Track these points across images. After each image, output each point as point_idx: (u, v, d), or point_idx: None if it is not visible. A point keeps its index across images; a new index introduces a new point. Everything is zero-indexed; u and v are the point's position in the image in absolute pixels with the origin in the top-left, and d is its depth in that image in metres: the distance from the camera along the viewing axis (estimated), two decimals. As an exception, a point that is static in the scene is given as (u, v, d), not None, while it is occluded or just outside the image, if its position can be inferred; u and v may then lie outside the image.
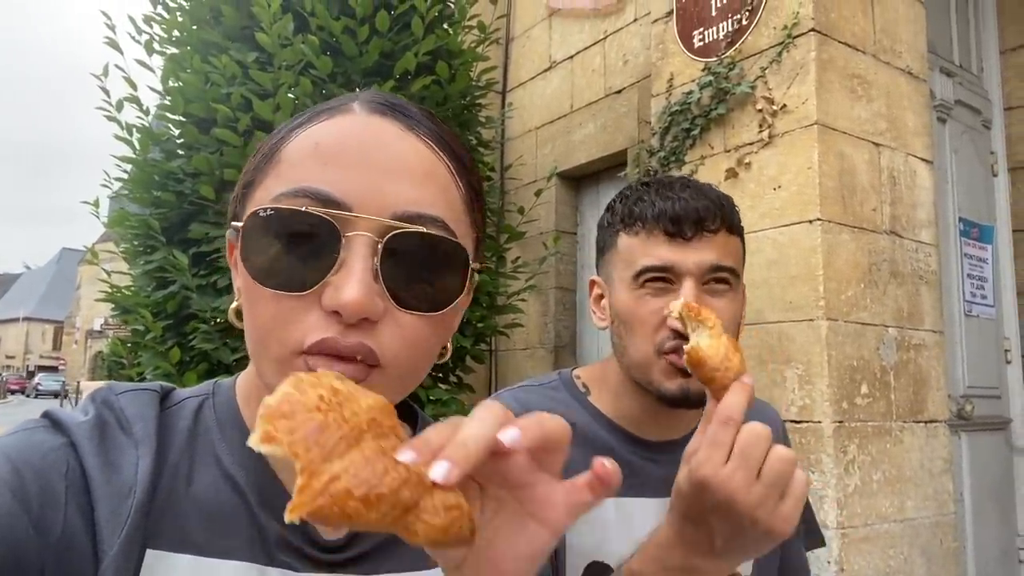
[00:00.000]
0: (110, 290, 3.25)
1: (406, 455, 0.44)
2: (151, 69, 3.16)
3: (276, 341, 0.57)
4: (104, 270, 3.23)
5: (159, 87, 3.19)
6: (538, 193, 3.92)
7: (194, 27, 3.13)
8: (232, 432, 0.66)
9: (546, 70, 4.61)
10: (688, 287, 1.01)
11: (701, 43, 2.96)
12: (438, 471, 0.43)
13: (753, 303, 2.59)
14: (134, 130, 3.07)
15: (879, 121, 2.75)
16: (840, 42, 2.66)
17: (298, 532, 0.64)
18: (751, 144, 2.71)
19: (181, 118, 3.10)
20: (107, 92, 3.06)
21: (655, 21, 3.20)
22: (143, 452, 0.60)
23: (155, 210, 3.03)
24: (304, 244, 0.56)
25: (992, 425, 3.52)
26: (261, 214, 0.57)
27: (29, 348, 76.28)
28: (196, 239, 2.94)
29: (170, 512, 0.61)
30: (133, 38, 3.12)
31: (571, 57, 4.42)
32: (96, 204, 3.05)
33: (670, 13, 3.10)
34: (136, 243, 3.17)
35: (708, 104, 2.85)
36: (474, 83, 3.59)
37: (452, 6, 3.52)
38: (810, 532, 1.26)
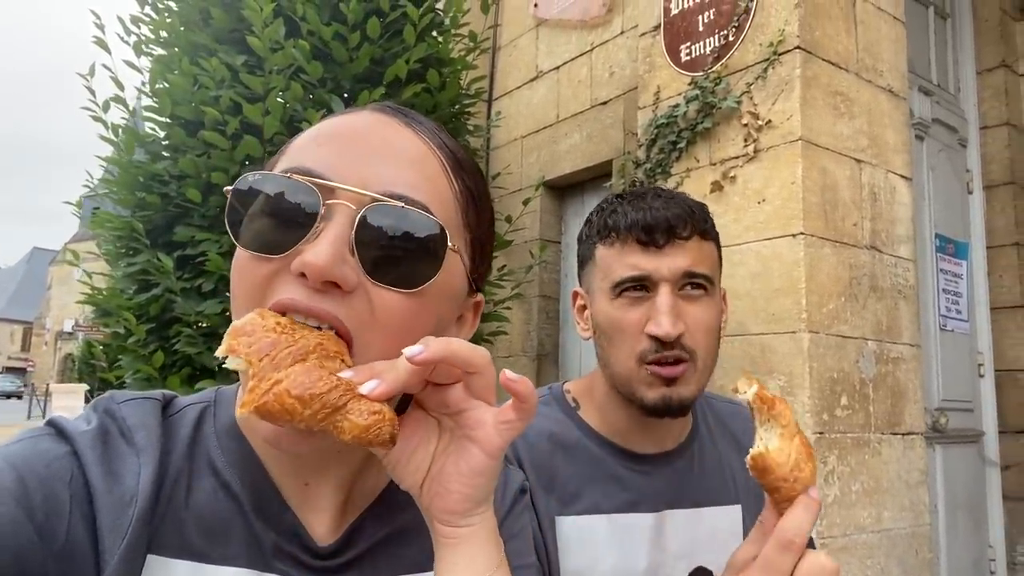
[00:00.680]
0: (91, 291, 3.21)
1: (346, 373, 0.53)
2: (139, 70, 3.13)
3: (244, 300, 0.59)
4: (85, 271, 3.19)
5: (146, 88, 3.16)
6: (526, 202, 3.94)
7: (183, 29, 3.11)
8: (229, 442, 0.67)
9: (532, 80, 4.64)
10: (664, 294, 1.03)
11: (688, 57, 3.00)
12: (367, 385, 0.52)
13: (736, 315, 2.63)
14: (119, 131, 3.05)
15: (860, 138, 2.81)
16: (824, 60, 2.72)
17: (292, 539, 0.65)
18: (736, 158, 2.75)
19: (167, 120, 3.08)
20: (93, 92, 3.03)
21: (643, 34, 3.24)
22: (145, 461, 0.60)
23: (139, 212, 3.00)
24: (285, 211, 0.58)
25: (965, 438, 3.59)
26: (249, 178, 0.60)
27: (-3, 348, 74.71)
28: (181, 242, 2.91)
29: (170, 519, 0.61)
30: (122, 38, 3.10)
31: (557, 68, 4.46)
32: (79, 205, 3.01)
33: (658, 27, 3.14)
34: (118, 245, 3.14)
35: (694, 118, 2.89)
36: (463, 91, 3.60)
37: (442, 15, 3.54)
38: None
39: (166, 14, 3.18)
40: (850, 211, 2.71)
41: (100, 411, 0.64)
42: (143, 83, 3.17)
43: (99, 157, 3.06)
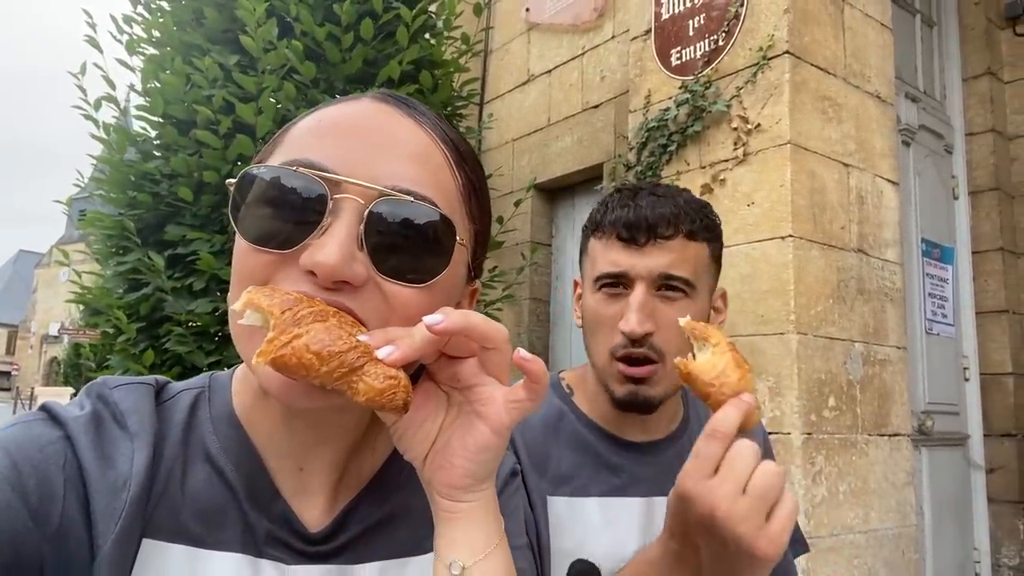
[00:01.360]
0: (80, 290, 3.20)
1: (363, 337, 0.53)
2: (131, 69, 3.13)
3: None
4: (75, 271, 3.17)
5: (137, 87, 3.16)
6: (517, 203, 3.95)
7: (175, 28, 3.11)
8: (224, 427, 0.67)
9: (524, 83, 4.66)
10: (638, 292, 1.04)
11: (679, 61, 3.03)
12: (384, 350, 0.53)
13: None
14: (111, 130, 3.04)
15: (848, 142, 2.84)
16: (813, 65, 2.75)
17: (284, 526, 0.65)
18: (726, 161, 2.78)
19: (159, 119, 3.08)
20: (84, 91, 3.03)
21: (634, 39, 3.27)
22: (138, 446, 0.61)
23: (130, 211, 2.99)
24: (291, 205, 0.57)
25: (951, 441, 3.63)
26: (254, 171, 0.59)
27: (-19, 352, 73.90)
28: (172, 241, 2.91)
29: (165, 504, 0.61)
30: (114, 37, 3.09)
31: (549, 71, 4.48)
32: (68, 204, 3.01)
33: (648, 31, 3.17)
34: (109, 244, 3.13)
35: (685, 121, 2.92)
36: (456, 94, 3.62)
37: (435, 17, 3.56)
38: (794, 540, 1.29)
39: (159, 14, 3.18)
40: (838, 214, 2.74)
41: (93, 396, 0.64)
42: (131, 84, 3.17)
43: (91, 156, 3.05)
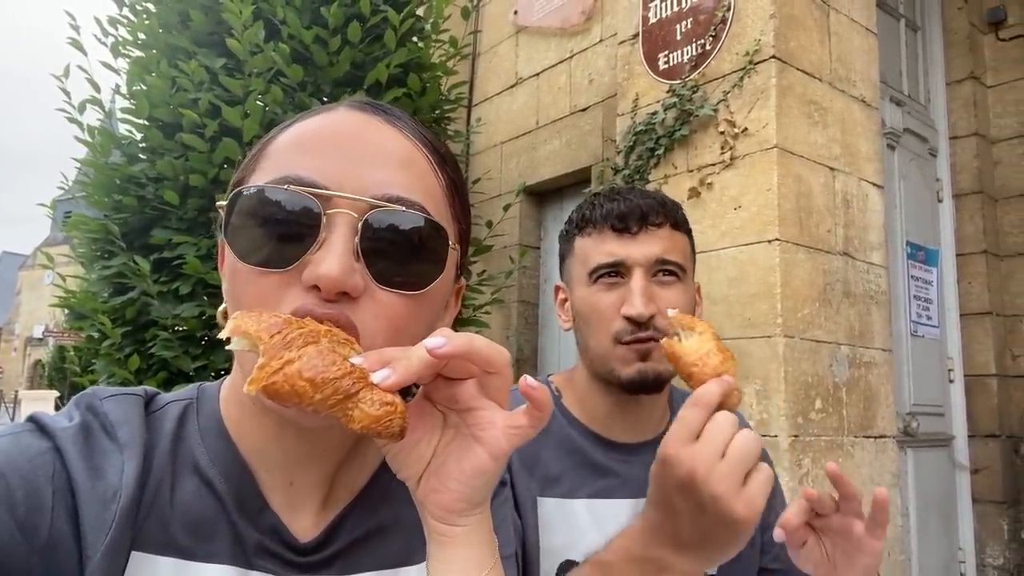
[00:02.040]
0: (64, 294, 3.17)
1: (357, 359, 0.52)
2: (116, 71, 3.11)
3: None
4: (59, 275, 3.15)
5: (122, 90, 3.14)
6: (507, 207, 3.96)
7: (161, 31, 3.09)
8: (213, 439, 0.67)
9: (512, 86, 4.67)
10: (638, 278, 1.08)
11: (666, 65, 3.04)
12: (379, 374, 0.51)
13: (713, 319, 2.66)
14: (95, 133, 3.02)
15: (834, 146, 2.86)
16: (799, 69, 2.77)
17: (274, 537, 0.65)
18: (713, 165, 2.79)
19: (145, 122, 3.06)
20: (67, 93, 3.00)
21: (621, 42, 3.28)
22: (128, 457, 0.60)
23: (115, 214, 2.97)
24: (286, 223, 0.58)
25: (936, 442, 3.66)
26: (245, 193, 0.60)
27: (-36, 355, 73.03)
28: (158, 245, 2.89)
29: (154, 516, 0.61)
30: (99, 40, 3.07)
31: (537, 74, 4.49)
32: (53, 207, 2.98)
33: (636, 35, 3.18)
34: (94, 247, 3.10)
35: (672, 125, 2.93)
36: (444, 97, 3.62)
37: (423, 20, 3.56)
38: None
39: (144, 16, 3.16)
40: (824, 218, 2.76)
41: (82, 407, 0.63)
42: (117, 85, 3.14)
43: (75, 159, 3.02)
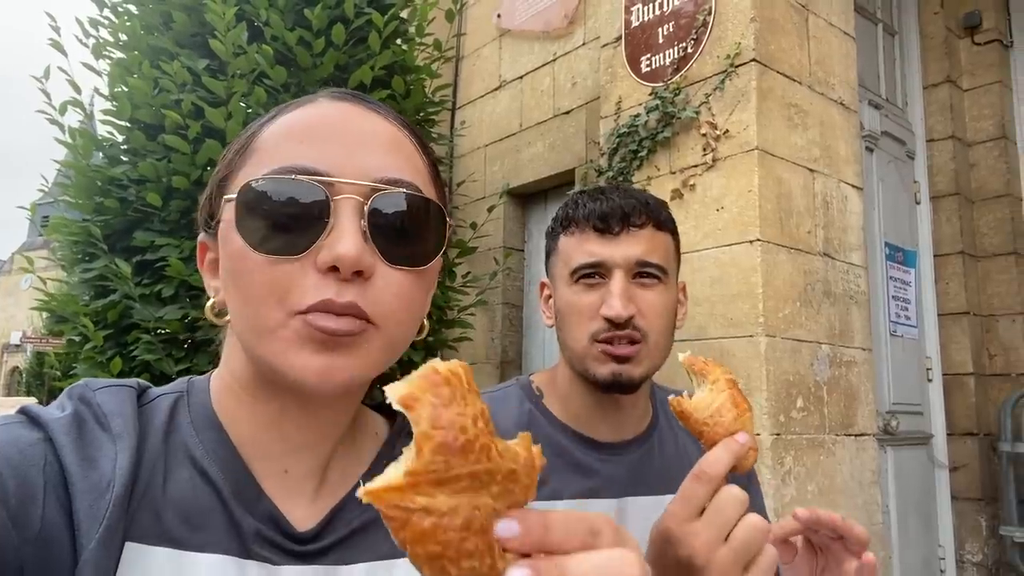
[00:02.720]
0: (45, 298, 3.14)
1: (510, 528, 0.40)
2: (98, 73, 3.08)
3: (273, 304, 0.60)
4: (39, 278, 3.12)
5: (104, 91, 3.11)
6: (491, 209, 3.97)
7: (143, 32, 3.07)
8: (205, 430, 0.67)
9: (496, 89, 4.69)
10: (617, 279, 1.08)
11: (648, 68, 3.07)
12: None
13: (696, 319, 2.69)
14: (76, 134, 2.99)
15: (813, 148, 2.90)
16: (779, 73, 2.81)
17: (272, 525, 0.65)
18: (696, 167, 2.82)
19: (127, 123, 3.03)
20: (48, 95, 2.98)
21: (604, 46, 3.30)
22: (121, 448, 0.60)
23: (96, 216, 2.94)
24: (296, 211, 0.60)
25: (915, 440, 3.72)
26: (253, 185, 0.62)
27: (-61, 362, 71.74)
28: (140, 247, 2.87)
29: (148, 506, 0.61)
30: (80, 41, 3.05)
31: (521, 77, 4.51)
32: (33, 211, 2.95)
33: (619, 38, 3.21)
34: (75, 250, 3.07)
35: (655, 127, 2.96)
36: (428, 99, 3.62)
37: (406, 23, 3.56)
38: None
39: (126, 17, 3.14)
40: (804, 219, 2.80)
41: (75, 398, 0.63)
42: (96, 88, 3.12)
43: (56, 161, 2.99)
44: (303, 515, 0.67)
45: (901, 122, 4.03)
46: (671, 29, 3.00)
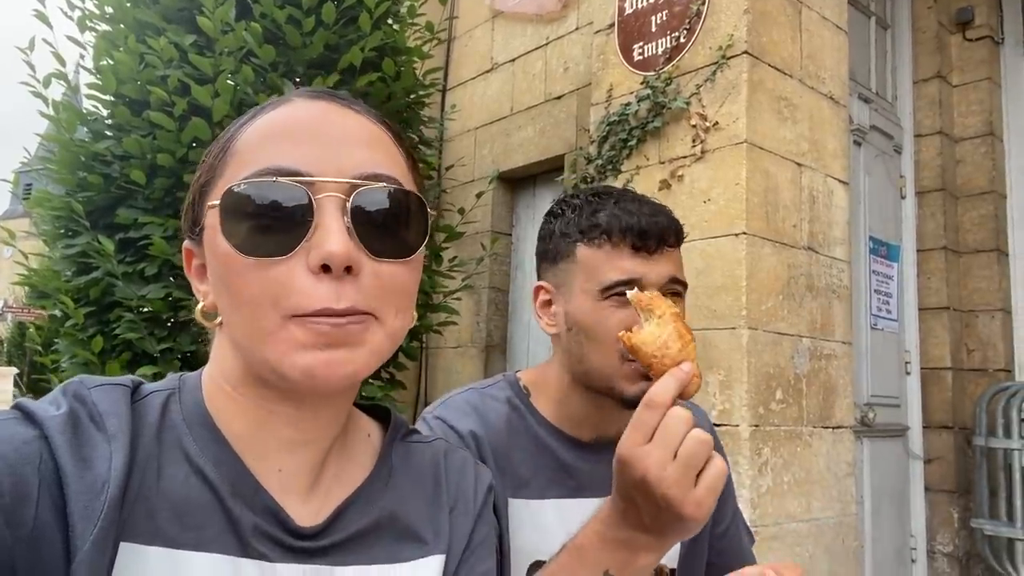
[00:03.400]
0: (26, 273, 3.11)
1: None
2: (82, 45, 3.03)
3: (267, 307, 0.61)
4: (20, 251, 3.08)
5: (88, 64, 3.07)
6: (479, 195, 3.95)
7: (129, 5, 3.02)
8: (199, 428, 0.67)
9: (487, 71, 4.65)
10: None
11: (640, 57, 3.06)
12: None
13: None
14: (60, 108, 2.95)
15: (802, 142, 2.91)
16: (770, 66, 2.80)
17: (272, 520, 0.66)
18: (684, 158, 2.83)
19: (111, 98, 2.99)
20: (32, 67, 2.93)
21: (597, 32, 3.28)
22: (116, 447, 0.60)
23: (79, 192, 2.91)
24: (280, 213, 0.61)
25: (892, 432, 3.77)
26: (235, 189, 0.62)
27: (-81, 329, 70.88)
28: (123, 224, 2.84)
29: (142, 506, 0.61)
30: (65, 14, 2.99)
31: (513, 60, 4.47)
32: (15, 182, 2.91)
33: (612, 25, 3.19)
34: (57, 225, 3.04)
35: (645, 117, 2.95)
36: (419, 81, 3.59)
37: (398, 3, 3.52)
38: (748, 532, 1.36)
39: (111, -11, 3.08)
40: (790, 213, 2.81)
41: (69, 395, 0.63)
42: (81, 57, 3.07)
43: (38, 135, 2.95)
44: (299, 513, 0.68)
45: (890, 116, 4.04)
46: (664, 18, 2.98)
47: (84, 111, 3.05)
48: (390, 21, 3.43)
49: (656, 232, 1.09)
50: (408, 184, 0.68)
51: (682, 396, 0.82)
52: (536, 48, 4.32)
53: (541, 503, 1.11)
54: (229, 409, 0.68)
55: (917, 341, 3.99)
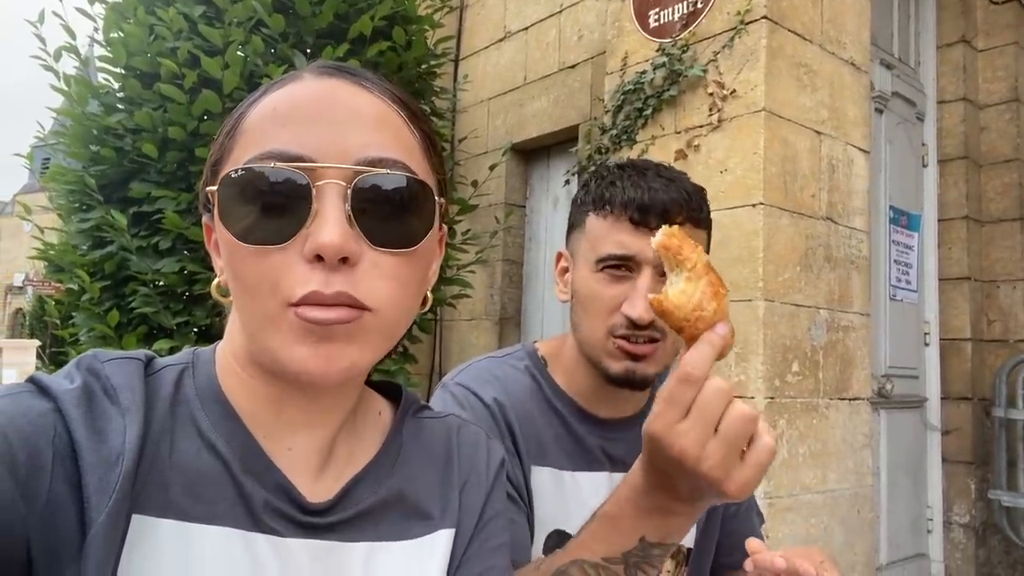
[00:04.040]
0: (42, 247, 3.13)
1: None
2: (92, 18, 3.01)
3: (266, 295, 0.60)
4: (36, 226, 3.10)
5: (99, 37, 3.05)
6: (493, 167, 3.92)
7: (137, -25, 2.99)
8: (211, 403, 0.67)
9: (500, 40, 4.58)
10: (645, 277, 1.04)
11: (656, 23, 2.99)
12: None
13: (696, 282, 2.67)
14: (72, 81, 2.94)
15: (822, 110, 2.85)
16: (790, 31, 2.73)
17: (283, 496, 0.66)
18: (701, 127, 2.77)
19: (122, 71, 2.98)
20: (43, 40, 2.91)
21: (612, -2, 3.21)
22: (130, 421, 0.60)
23: (92, 166, 2.91)
24: (278, 200, 0.59)
25: (909, 403, 3.74)
26: (233, 175, 0.61)
27: (-57, 303, 72.07)
28: (137, 198, 2.84)
29: (154, 478, 0.61)
30: (73, -15, 2.97)
31: (526, 29, 4.40)
32: (30, 158, 2.91)
33: (627, -9, 3.12)
34: (71, 199, 3.05)
35: (661, 85, 2.89)
36: (430, 51, 3.54)
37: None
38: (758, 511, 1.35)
39: (120, -41, 3.05)
40: (808, 182, 2.76)
41: (83, 369, 0.63)
42: (95, 30, 3.05)
43: (51, 109, 2.95)
44: (309, 490, 0.68)
45: (913, 83, 3.95)
46: (680, -18, 2.91)
47: (96, 84, 3.04)
48: (401, -11, 3.38)
49: (658, 208, 1.04)
50: (418, 168, 0.65)
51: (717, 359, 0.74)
52: (550, 16, 4.25)
53: (560, 473, 1.11)
54: (239, 388, 0.68)
55: (937, 312, 3.94)
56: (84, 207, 2.98)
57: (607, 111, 3.12)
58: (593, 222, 1.10)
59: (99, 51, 3.04)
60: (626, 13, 3.11)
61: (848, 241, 2.93)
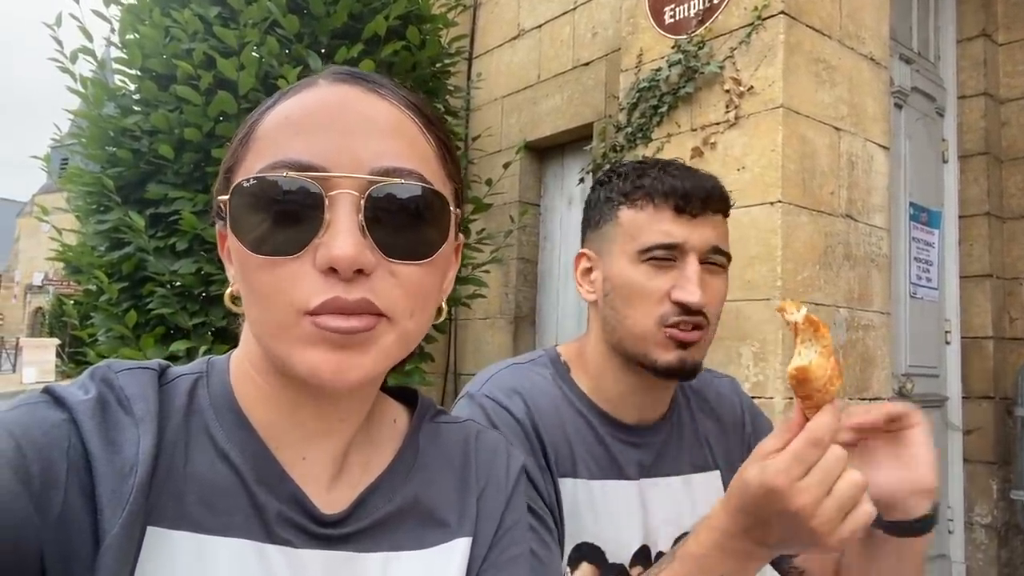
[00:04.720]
0: (60, 248, 3.15)
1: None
2: (108, 20, 3.03)
3: (280, 305, 0.59)
4: (54, 227, 3.12)
5: (115, 39, 3.06)
6: (507, 165, 3.90)
7: (152, -23, 3.00)
8: (225, 413, 0.67)
9: (514, 38, 4.57)
10: (692, 263, 1.05)
11: (672, 19, 2.96)
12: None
13: (713, 281, 2.65)
14: (88, 83, 2.95)
15: (841, 106, 2.81)
16: (807, 26, 2.70)
17: (296, 507, 0.65)
18: (717, 124, 2.75)
19: (138, 72, 2.99)
20: (60, 42, 2.93)
21: (627, -5, 3.19)
22: (144, 431, 0.60)
23: (110, 168, 2.93)
24: (290, 209, 0.58)
25: (930, 403, 3.69)
26: (244, 185, 0.60)
27: (-36, 302, 73.02)
28: (154, 200, 2.86)
29: (168, 490, 0.61)
30: (90, -12, 2.98)
31: (540, 26, 4.38)
32: (47, 159, 2.94)
33: (642, -13, 3.09)
34: (89, 200, 3.07)
35: (676, 82, 2.87)
36: (444, 50, 3.54)
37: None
38: None
39: (135, -38, 3.06)
40: (827, 180, 2.73)
41: (97, 380, 0.63)
42: (112, 31, 3.07)
43: (67, 110, 2.97)
44: (323, 500, 0.67)
45: (932, 77, 3.89)
46: (696, -22, 2.88)
47: (113, 86, 3.06)
48: (415, -12, 3.37)
49: (700, 195, 1.06)
50: (434, 176, 0.64)
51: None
52: (564, 13, 4.23)
53: (589, 484, 1.09)
54: (254, 396, 0.68)
55: (958, 310, 3.89)
56: (102, 208, 3.00)
57: (622, 109, 3.10)
58: (629, 215, 1.10)
59: (115, 53, 3.06)
60: (641, 10, 3.08)
61: (868, 239, 2.89)
